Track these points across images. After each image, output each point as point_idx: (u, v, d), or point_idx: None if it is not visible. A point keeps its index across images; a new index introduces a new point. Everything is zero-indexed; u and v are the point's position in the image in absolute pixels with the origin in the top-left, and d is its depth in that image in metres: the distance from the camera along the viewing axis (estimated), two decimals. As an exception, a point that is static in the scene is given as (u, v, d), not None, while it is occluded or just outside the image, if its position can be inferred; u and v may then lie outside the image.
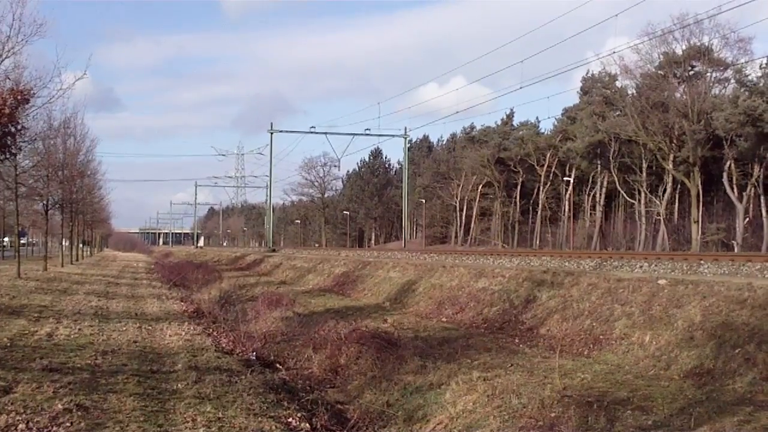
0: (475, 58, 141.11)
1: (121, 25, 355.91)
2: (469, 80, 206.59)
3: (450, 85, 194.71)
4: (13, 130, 16.49)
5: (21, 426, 8.14)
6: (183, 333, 16.91)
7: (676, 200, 60.70)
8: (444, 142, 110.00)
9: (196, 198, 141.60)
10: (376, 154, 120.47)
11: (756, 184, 52.68)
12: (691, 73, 56.24)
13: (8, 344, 13.82)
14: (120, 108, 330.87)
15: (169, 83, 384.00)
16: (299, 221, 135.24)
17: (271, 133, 67.84)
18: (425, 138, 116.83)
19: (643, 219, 61.89)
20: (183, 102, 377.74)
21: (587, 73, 71.00)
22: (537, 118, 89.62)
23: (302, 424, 9.50)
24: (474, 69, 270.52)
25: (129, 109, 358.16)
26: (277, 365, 14.44)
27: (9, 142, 17.15)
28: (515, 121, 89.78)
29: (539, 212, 78.27)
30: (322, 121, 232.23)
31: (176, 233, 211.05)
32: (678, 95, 55.57)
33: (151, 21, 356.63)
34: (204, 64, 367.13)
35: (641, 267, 18.14)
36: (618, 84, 65.39)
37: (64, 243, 52.95)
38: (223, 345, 16.04)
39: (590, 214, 72.49)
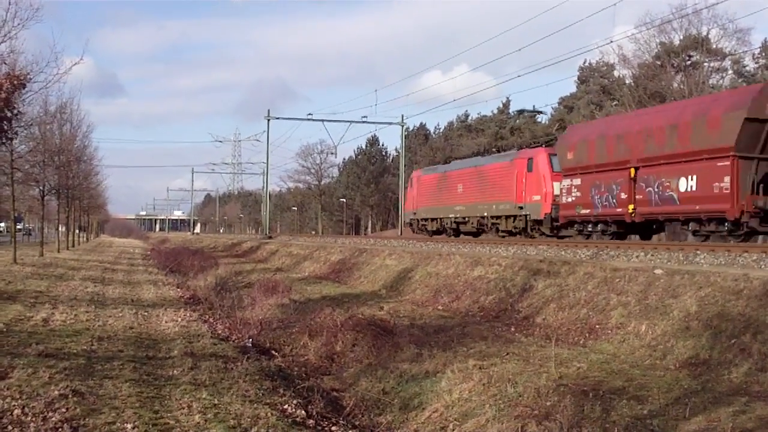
0: (476, 45, 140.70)
1: (126, 9, 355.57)
2: (472, 68, 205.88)
3: (453, 73, 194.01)
4: (9, 114, 16.45)
5: (17, 411, 8.14)
6: (179, 319, 16.92)
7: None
8: (441, 130, 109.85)
9: (192, 184, 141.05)
10: (373, 141, 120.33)
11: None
12: (689, 63, 56.21)
13: (4, 330, 13.82)
14: (122, 94, 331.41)
15: (170, 69, 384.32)
16: (296, 208, 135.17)
17: (268, 120, 67.63)
18: (422, 126, 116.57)
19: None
20: (183, 88, 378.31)
21: (585, 63, 71.04)
22: (534, 106, 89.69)
23: (298, 411, 9.51)
24: (478, 56, 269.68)
25: (129, 95, 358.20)
26: (273, 352, 14.44)
27: (5, 127, 17.12)
28: (512, 110, 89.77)
29: (536, 201, 78.17)
30: (324, 108, 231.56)
31: (173, 220, 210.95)
32: (675, 85, 55.53)
33: (156, 5, 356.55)
34: (206, 49, 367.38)
35: (637, 256, 18.15)
36: (616, 74, 65.39)
37: (60, 229, 52.90)
38: (219, 331, 16.05)
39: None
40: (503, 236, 33.31)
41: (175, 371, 10.96)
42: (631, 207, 24.69)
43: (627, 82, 61.74)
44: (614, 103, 63.57)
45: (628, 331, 12.67)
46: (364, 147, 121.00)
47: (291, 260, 38.59)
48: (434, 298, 19.59)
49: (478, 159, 39.97)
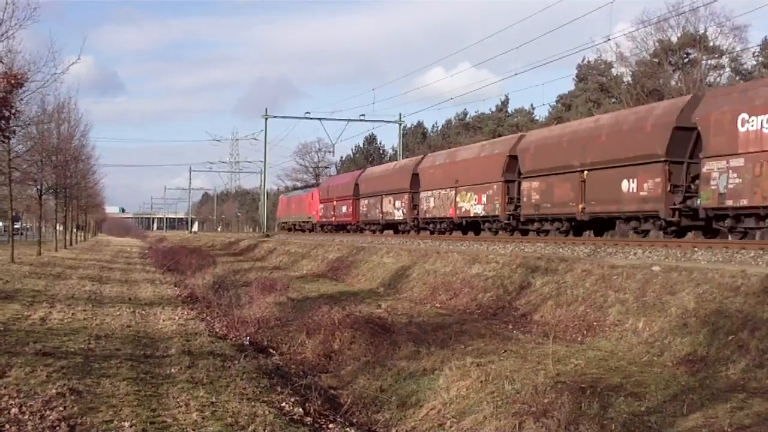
0: (475, 42, 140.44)
1: (128, 7, 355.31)
2: (473, 65, 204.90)
3: (454, 70, 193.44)
4: (6, 114, 16.42)
5: (14, 410, 8.14)
6: (176, 318, 16.92)
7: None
8: (438, 128, 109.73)
9: (190, 183, 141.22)
10: (371, 139, 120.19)
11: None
12: (686, 60, 56.21)
13: (1, 328, 13.82)
14: (122, 92, 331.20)
15: (171, 67, 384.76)
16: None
17: (266, 119, 67.65)
18: (420, 124, 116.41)
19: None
20: (184, 86, 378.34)
21: (583, 60, 70.96)
22: (531, 105, 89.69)
23: (295, 409, 9.51)
24: (479, 54, 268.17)
25: (129, 93, 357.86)
26: (271, 350, 14.44)
27: (2, 126, 17.08)
28: (510, 108, 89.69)
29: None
30: (325, 106, 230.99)
31: (170, 218, 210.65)
32: (673, 83, 55.52)
33: (158, 3, 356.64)
34: (208, 47, 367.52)
35: (635, 254, 18.15)
36: (614, 71, 65.34)
37: (57, 228, 52.85)
38: (217, 330, 16.03)
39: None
40: (307, 231, 62.69)
41: (172, 369, 10.95)
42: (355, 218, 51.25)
43: (625, 80, 61.73)
44: (612, 100, 63.55)
45: (626, 328, 12.68)
46: (361, 145, 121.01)
47: (289, 258, 38.58)
48: (432, 296, 19.59)
49: (301, 190, 73.67)
